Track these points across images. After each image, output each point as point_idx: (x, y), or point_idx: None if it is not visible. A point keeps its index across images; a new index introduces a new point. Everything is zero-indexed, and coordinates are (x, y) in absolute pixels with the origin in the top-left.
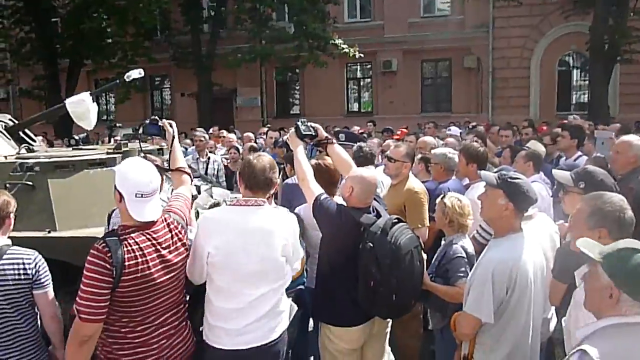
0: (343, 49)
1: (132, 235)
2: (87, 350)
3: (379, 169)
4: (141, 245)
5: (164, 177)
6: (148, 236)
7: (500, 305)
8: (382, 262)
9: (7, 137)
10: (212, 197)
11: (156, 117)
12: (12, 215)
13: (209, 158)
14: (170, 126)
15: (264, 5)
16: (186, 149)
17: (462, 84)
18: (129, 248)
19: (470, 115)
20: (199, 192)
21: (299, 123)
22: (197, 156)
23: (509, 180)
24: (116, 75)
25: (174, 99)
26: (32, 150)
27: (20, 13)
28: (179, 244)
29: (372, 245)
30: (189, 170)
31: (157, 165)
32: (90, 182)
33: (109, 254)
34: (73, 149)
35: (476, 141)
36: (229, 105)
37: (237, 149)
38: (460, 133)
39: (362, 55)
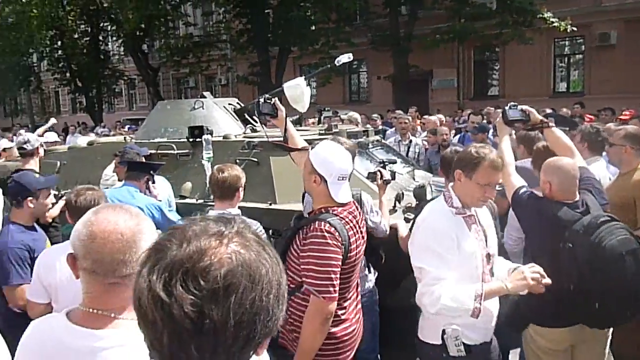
0: (552, 22)
1: (344, 215)
2: (326, 329)
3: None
4: (351, 224)
5: None
6: (351, 216)
7: None
8: (582, 265)
9: (235, 118)
10: (414, 179)
11: (270, 96)
12: (241, 188)
13: (410, 141)
14: (282, 105)
15: None
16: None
17: None
18: (349, 226)
19: None
20: (394, 177)
21: (506, 107)
22: (399, 138)
23: None
24: (319, 61)
25: (370, 82)
26: (255, 131)
27: (240, 7)
28: (362, 221)
29: (571, 245)
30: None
31: (283, 146)
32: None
33: (336, 233)
34: None
35: None
36: (425, 87)
37: (434, 132)
38: None
39: (574, 28)
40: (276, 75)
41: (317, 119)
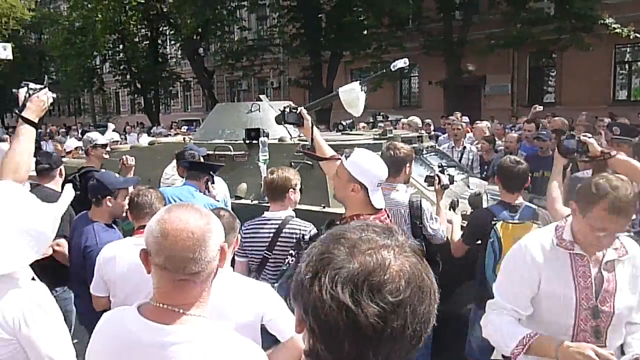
0: (614, 28)
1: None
2: None
3: None
4: None
5: None
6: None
7: None
8: None
9: None
10: (468, 186)
11: (295, 106)
12: (292, 190)
13: (464, 147)
14: (308, 114)
15: None
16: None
17: None
18: None
19: None
20: (452, 182)
21: (563, 138)
22: (453, 145)
23: None
24: (370, 65)
25: (421, 87)
26: None
27: (293, 12)
28: None
29: None
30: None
31: (311, 155)
32: None
33: None
34: (342, 133)
35: None
36: (477, 93)
37: (491, 139)
38: None
39: (637, 34)
40: (327, 79)
41: (370, 123)
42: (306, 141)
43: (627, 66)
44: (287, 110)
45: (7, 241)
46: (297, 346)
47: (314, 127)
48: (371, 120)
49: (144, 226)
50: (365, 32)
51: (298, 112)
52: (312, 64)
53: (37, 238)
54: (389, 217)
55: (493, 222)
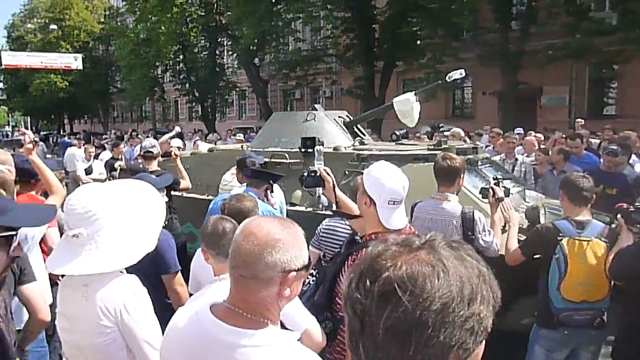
0: None
1: None
2: None
3: None
4: None
5: None
6: None
7: None
8: None
9: (345, 130)
10: (524, 199)
11: (315, 169)
12: None
13: (516, 160)
14: (328, 174)
15: None
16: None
17: None
18: None
19: None
20: (507, 195)
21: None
22: (504, 157)
23: None
24: (423, 75)
25: (474, 98)
26: (364, 143)
27: (348, 22)
28: None
29: None
30: None
31: (342, 214)
32: (412, 175)
33: None
34: (396, 143)
35: None
36: (532, 104)
37: (546, 151)
38: None
39: None
40: (380, 89)
41: (428, 134)
42: (361, 150)
43: None
44: (306, 173)
45: (138, 236)
46: (314, 339)
47: (336, 188)
48: (429, 130)
49: None
50: (420, 42)
51: (318, 174)
52: (365, 74)
53: (155, 233)
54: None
55: (559, 238)
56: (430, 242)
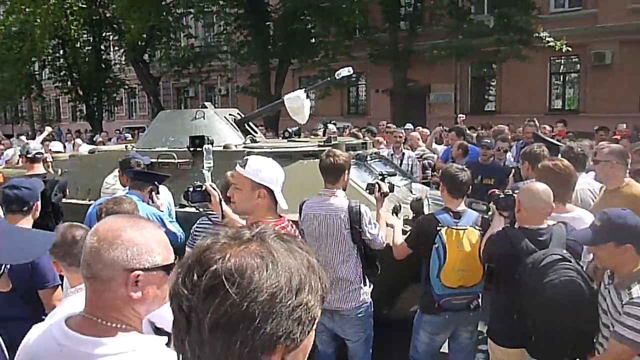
0: (548, 42)
1: (280, 226)
2: None
3: (589, 174)
4: None
5: None
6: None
7: None
8: (523, 299)
9: (236, 129)
10: (411, 192)
11: (200, 184)
12: None
13: (403, 154)
14: (214, 189)
15: None
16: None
17: None
18: None
19: None
20: (392, 190)
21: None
22: (392, 152)
23: None
24: (318, 73)
25: (368, 95)
26: (255, 141)
27: (241, 19)
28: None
29: (518, 277)
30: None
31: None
32: (303, 172)
33: None
34: (288, 140)
35: None
36: (422, 101)
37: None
38: None
39: (569, 48)
40: (275, 87)
41: (322, 130)
42: (252, 148)
43: (561, 77)
44: (192, 188)
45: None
46: None
47: (222, 202)
48: (321, 127)
49: None
50: (314, 40)
51: (203, 189)
52: (260, 72)
53: None
54: (290, 225)
55: (438, 228)
56: (261, 235)
